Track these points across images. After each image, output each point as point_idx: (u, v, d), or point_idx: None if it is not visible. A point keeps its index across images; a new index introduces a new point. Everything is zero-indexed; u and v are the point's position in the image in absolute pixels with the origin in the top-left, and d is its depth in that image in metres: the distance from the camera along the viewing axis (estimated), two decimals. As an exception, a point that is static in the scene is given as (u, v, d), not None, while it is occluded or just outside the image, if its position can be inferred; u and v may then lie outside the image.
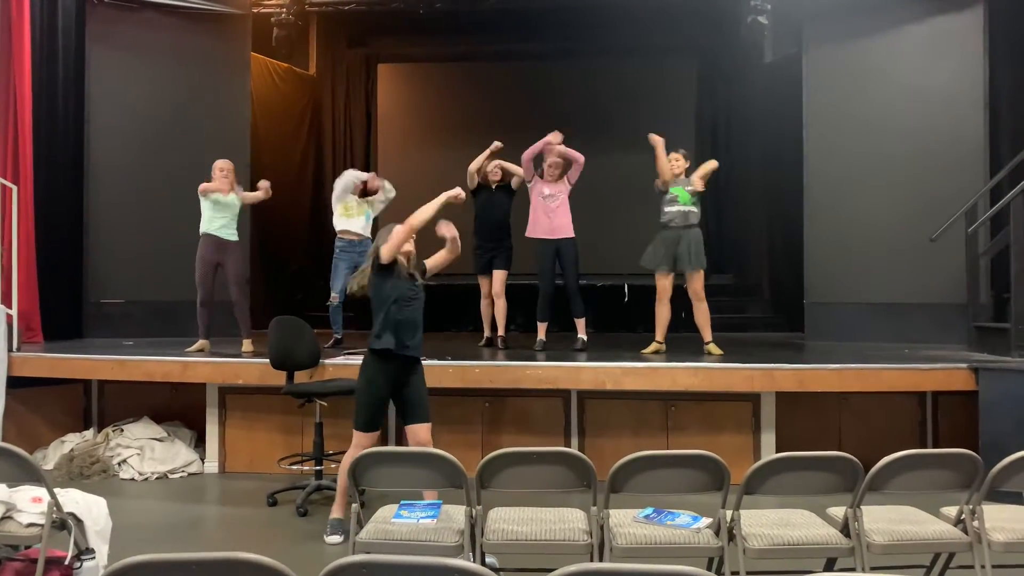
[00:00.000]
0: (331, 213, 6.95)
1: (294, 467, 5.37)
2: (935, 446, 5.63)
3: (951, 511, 3.21)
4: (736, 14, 8.96)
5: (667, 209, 6.19)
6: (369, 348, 4.05)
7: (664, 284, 6.18)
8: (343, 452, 5.35)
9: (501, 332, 6.64)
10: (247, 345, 6.12)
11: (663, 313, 6.25)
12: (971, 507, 3.07)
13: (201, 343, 6.13)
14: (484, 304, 6.76)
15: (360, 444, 3.99)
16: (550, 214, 6.33)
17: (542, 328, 6.49)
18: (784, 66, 8.64)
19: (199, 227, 6.28)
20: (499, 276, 6.56)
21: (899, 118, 6.99)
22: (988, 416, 4.97)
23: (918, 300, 6.75)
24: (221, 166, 6.26)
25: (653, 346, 6.25)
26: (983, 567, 3.00)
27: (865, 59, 7.17)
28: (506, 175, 6.61)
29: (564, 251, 6.38)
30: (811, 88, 7.44)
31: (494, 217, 6.57)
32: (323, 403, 5.04)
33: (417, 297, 4.10)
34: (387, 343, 3.98)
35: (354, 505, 3.13)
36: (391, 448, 3.48)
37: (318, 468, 5.08)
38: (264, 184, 6.42)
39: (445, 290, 9.47)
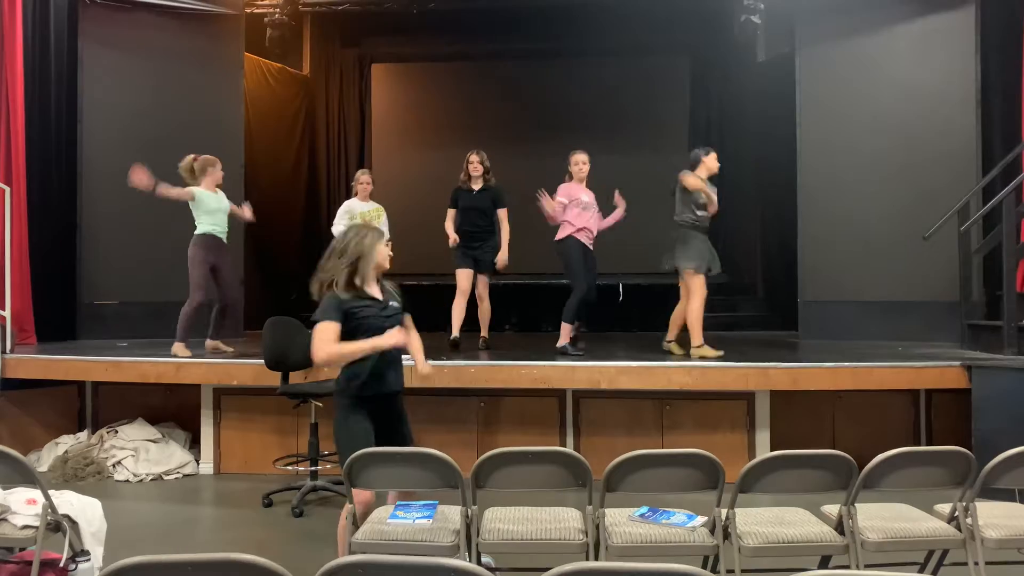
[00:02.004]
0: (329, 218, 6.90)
1: (289, 468, 5.37)
2: (928, 444, 5.65)
3: (944, 508, 3.22)
4: (729, 13, 8.99)
5: (700, 213, 5.87)
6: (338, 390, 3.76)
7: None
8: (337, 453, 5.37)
9: (484, 333, 6.56)
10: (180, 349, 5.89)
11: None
12: (964, 504, 3.09)
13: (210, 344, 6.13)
14: (458, 301, 6.38)
15: None
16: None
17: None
18: (777, 65, 8.66)
19: (195, 227, 6.30)
20: (483, 280, 6.43)
21: (892, 116, 7.01)
22: (981, 414, 4.99)
23: (911, 298, 6.78)
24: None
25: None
26: (976, 564, 3.01)
27: (858, 58, 7.19)
28: (486, 176, 6.35)
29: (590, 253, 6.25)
30: (804, 87, 7.45)
31: (474, 218, 6.37)
32: (318, 403, 5.04)
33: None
34: None
35: (348, 506, 3.14)
36: (386, 448, 3.47)
37: (313, 469, 5.08)
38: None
39: (440, 291, 9.51)
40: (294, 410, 5.29)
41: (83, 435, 6.12)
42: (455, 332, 6.38)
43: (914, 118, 6.92)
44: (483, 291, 6.46)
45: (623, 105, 10.47)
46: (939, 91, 6.85)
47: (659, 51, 10.46)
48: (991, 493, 3.15)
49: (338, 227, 6.47)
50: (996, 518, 3.13)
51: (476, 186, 6.41)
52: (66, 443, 6.01)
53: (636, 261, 10.12)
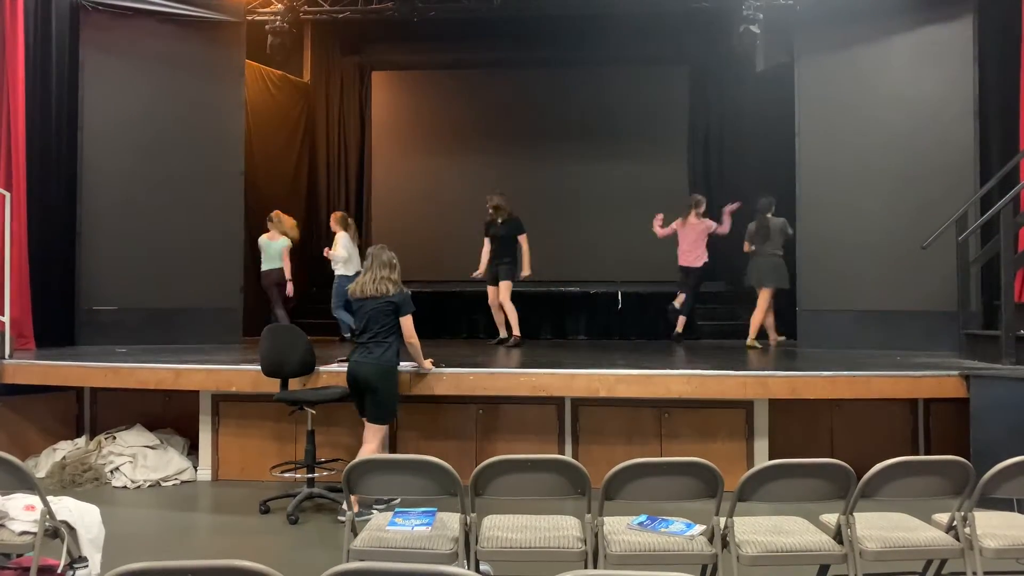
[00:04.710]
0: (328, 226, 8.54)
1: (286, 475, 5.34)
2: (927, 453, 5.65)
3: (943, 518, 3.23)
4: (728, 24, 9.02)
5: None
6: (395, 366, 4.84)
7: None
8: (335, 460, 5.37)
9: (516, 332, 7.62)
10: None
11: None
12: (963, 514, 3.09)
13: None
14: (495, 313, 7.79)
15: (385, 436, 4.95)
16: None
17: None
18: (776, 75, 8.69)
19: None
20: (503, 286, 7.55)
21: (890, 126, 7.04)
22: (979, 423, 4.99)
23: (910, 308, 6.79)
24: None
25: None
26: (975, 574, 3.01)
27: (856, 68, 7.22)
28: (505, 211, 7.62)
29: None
30: (803, 96, 7.48)
31: (497, 241, 7.64)
32: (312, 411, 5.02)
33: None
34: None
35: (348, 512, 3.13)
36: (385, 456, 3.47)
37: (310, 476, 5.07)
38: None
39: (440, 298, 9.53)
40: (290, 417, 5.28)
41: (81, 441, 6.10)
42: (503, 332, 7.81)
43: (913, 128, 6.94)
44: (504, 296, 7.63)
45: (623, 113, 10.50)
46: (937, 102, 6.87)
47: (659, 60, 10.51)
48: (989, 503, 3.15)
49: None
50: (994, 528, 3.13)
51: (499, 220, 7.66)
52: (64, 449, 6.00)
53: (635, 269, 10.16)
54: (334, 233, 8.22)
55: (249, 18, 8.33)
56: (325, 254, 8.02)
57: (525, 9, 9.07)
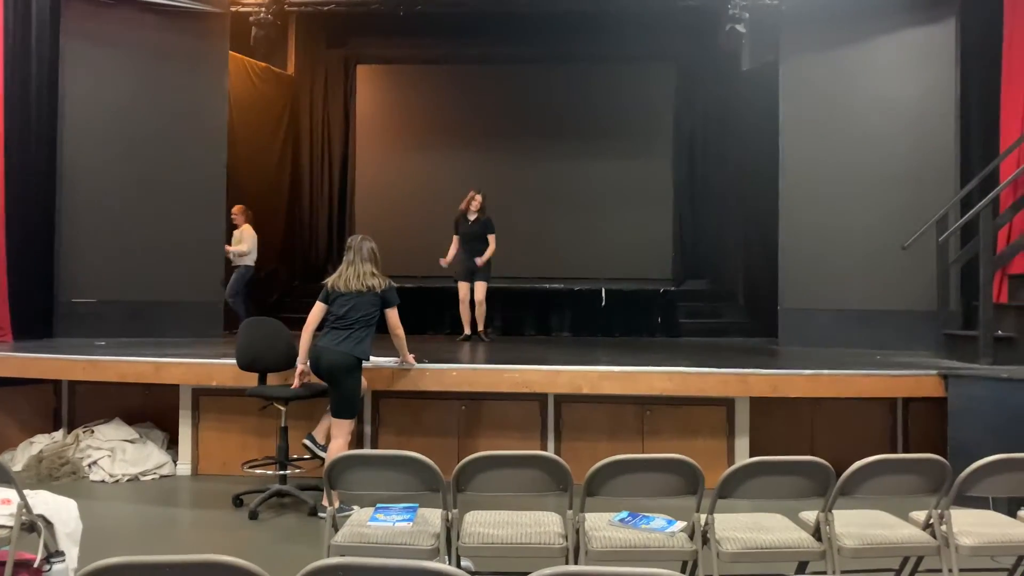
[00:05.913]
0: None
1: (257, 471, 5.27)
2: (905, 451, 5.70)
3: (920, 515, 3.26)
4: (714, 23, 9.05)
5: None
6: (362, 361, 4.71)
7: None
8: (314, 457, 5.33)
9: (481, 328, 7.88)
10: None
11: None
12: (939, 511, 3.12)
13: None
14: (462, 307, 7.88)
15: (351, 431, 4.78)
16: None
17: None
18: (761, 74, 8.73)
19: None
20: (479, 286, 7.73)
21: (873, 127, 7.09)
22: (956, 422, 5.04)
23: (890, 307, 6.85)
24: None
25: None
26: (951, 571, 3.05)
27: (841, 68, 7.27)
28: (481, 208, 7.77)
29: None
30: (787, 96, 7.52)
31: (470, 239, 7.75)
32: (280, 407, 4.97)
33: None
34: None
35: (329, 508, 3.12)
36: (367, 451, 3.47)
37: (282, 473, 5.01)
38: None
39: (423, 293, 9.51)
40: (261, 412, 5.21)
41: (58, 435, 6.03)
42: (467, 330, 7.92)
43: (895, 129, 7.00)
44: (481, 296, 7.78)
45: (608, 111, 10.52)
46: (920, 103, 6.94)
47: (645, 58, 10.53)
48: (966, 501, 3.18)
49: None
50: (970, 525, 3.17)
51: (472, 217, 7.76)
52: (41, 442, 5.92)
53: (619, 267, 10.19)
54: (236, 226, 8.32)
55: (233, 9, 8.25)
56: (228, 250, 8.10)
57: (512, 5, 9.05)
